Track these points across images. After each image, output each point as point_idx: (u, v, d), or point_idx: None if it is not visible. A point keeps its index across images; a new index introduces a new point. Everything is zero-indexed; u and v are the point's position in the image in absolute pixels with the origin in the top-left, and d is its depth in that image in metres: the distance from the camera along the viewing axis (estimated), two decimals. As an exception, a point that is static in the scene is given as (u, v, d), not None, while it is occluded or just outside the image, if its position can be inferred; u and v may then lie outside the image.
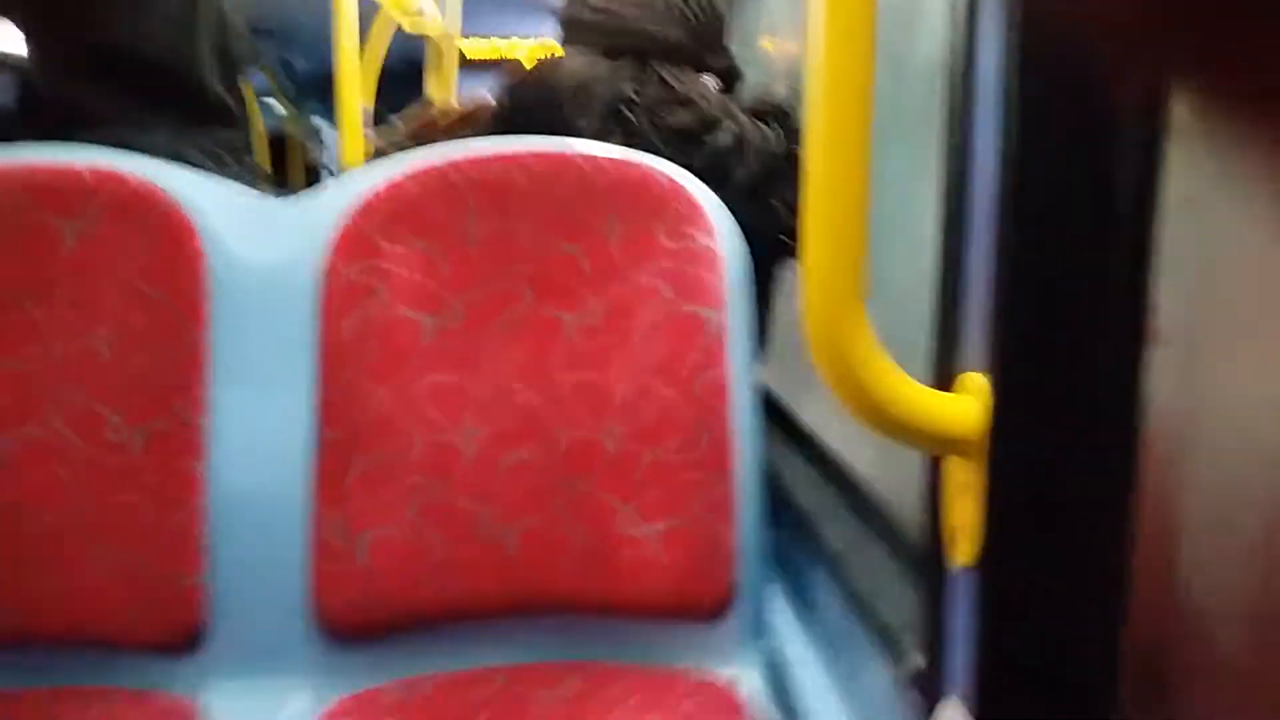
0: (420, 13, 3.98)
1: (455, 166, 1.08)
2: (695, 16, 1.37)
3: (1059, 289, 0.58)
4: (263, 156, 5.81)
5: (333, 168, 5.42)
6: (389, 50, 4.01)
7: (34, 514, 1.04)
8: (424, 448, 1.05)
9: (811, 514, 1.05)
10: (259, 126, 5.97)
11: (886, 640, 0.79)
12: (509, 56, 4.45)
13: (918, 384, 0.62)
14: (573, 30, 1.39)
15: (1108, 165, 0.57)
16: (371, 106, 3.40)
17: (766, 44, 1.82)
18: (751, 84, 1.53)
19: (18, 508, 1.04)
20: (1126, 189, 0.56)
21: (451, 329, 1.07)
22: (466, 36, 4.95)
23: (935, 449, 0.64)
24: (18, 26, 1.23)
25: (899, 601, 0.79)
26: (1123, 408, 0.57)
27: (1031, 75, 0.58)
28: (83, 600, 1.03)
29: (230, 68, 1.30)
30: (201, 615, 1.03)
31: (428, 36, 4.49)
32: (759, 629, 1.07)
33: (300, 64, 6.63)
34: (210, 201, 1.09)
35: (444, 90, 4.82)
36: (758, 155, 1.30)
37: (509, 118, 1.36)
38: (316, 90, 7.16)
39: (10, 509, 1.04)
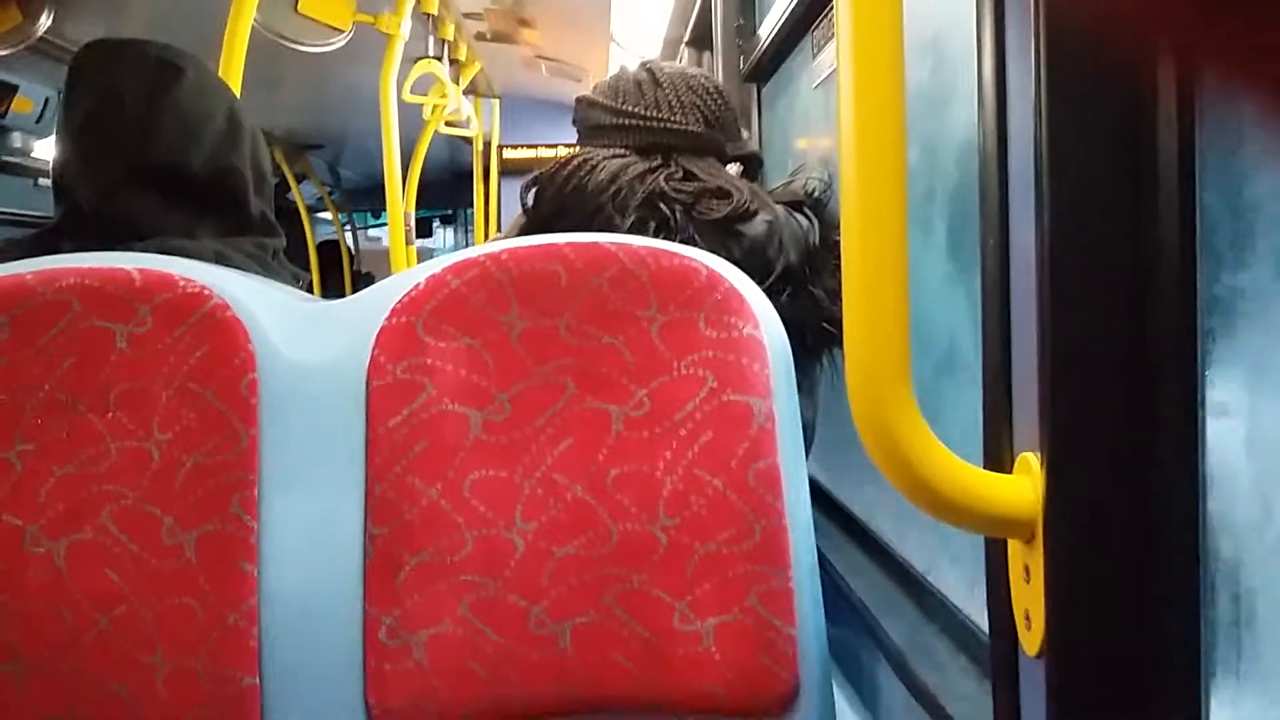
0: (467, 121, 4.11)
1: (496, 261, 1.10)
2: (710, 108, 1.40)
3: (1109, 365, 0.58)
4: (312, 264, 5.98)
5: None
6: (434, 159, 4.13)
7: (88, 619, 1.04)
8: (475, 544, 1.05)
9: (870, 608, 1.03)
10: (309, 237, 6.15)
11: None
12: (546, 161, 4.57)
13: (969, 465, 0.60)
14: (594, 131, 1.42)
15: (1149, 240, 0.57)
16: (413, 212, 3.48)
17: (799, 140, 1.85)
18: (785, 176, 1.55)
19: (70, 613, 1.04)
20: (1170, 263, 0.56)
21: (498, 423, 1.08)
22: (509, 145, 5.11)
23: (990, 531, 0.63)
24: (66, 138, 1.27)
25: (967, 694, 0.77)
26: (1182, 483, 0.55)
27: (1065, 155, 0.58)
28: (137, 706, 1.03)
29: (264, 182, 1.34)
30: (257, 718, 1.02)
31: (473, 144, 4.64)
32: (824, 726, 1.04)
33: (348, 175, 6.85)
34: (259, 303, 1.11)
35: (487, 194, 4.94)
36: (795, 244, 1.31)
37: (542, 221, 1.38)
38: (365, 199, 7.39)
39: (64, 614, 1.04)
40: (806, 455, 1.11)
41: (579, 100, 1.46)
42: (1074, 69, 0.58)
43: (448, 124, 3.95)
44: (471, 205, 5.16)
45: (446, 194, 7.04)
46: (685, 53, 3.08)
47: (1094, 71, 0.58)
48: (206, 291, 1.09)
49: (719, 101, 1.41)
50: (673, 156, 1.35)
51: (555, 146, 4.93)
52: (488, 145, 4.77)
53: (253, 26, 2.03)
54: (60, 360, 1.08)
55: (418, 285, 1.10)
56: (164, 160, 1.22)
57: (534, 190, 1.40)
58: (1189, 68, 0.55)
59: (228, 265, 1.21)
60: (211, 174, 1.25)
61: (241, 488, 1.06)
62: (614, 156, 1.35)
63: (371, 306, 1.11)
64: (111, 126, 1.23)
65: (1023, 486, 0.59)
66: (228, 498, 1.06)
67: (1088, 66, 0.58)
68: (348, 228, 6.93)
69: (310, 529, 1.06)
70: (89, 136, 1.24)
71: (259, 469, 1.06)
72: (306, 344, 1.11)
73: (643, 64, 1.44)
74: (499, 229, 4.89)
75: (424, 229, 7.93)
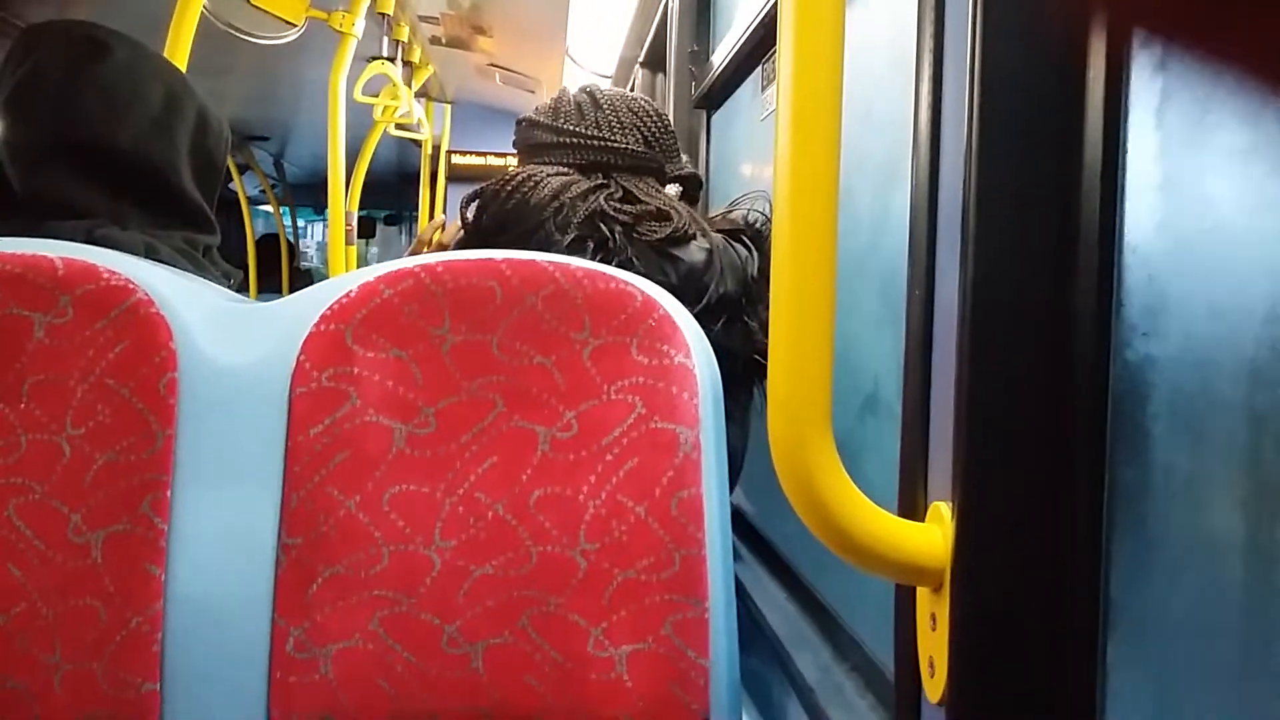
0: (417, 125, 4.09)
1: (430, 273, 1.09)
2: (649, 128, 1.41)
3: (1023, 420, 0.59)
4: (251, 258, 5.88)
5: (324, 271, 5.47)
6: (381, 159, 4.09)
7: None
8: (391, 559, 1.03)
9: (784, 640, 1.03)
10: (248, 229, 6.05)
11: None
12: (494, 169, 4.56)
13: (884, 512, 0.61)
14: (534, 150, 1.42)
15: (1069, 303, 0.59)
16: (356, 211, 3.44)
17: (746, 169, 1.86)
18: (727, 207, 1.56)
19: (-33, 609, 1.00)
20: (1087, 326, 0.58)
21: (422, 438, 1.06)
22: (458, 151, 5.09)
23: (899, 577, 0.63)
24: None
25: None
26: (1090, 540, 0.56)
27: (991, 213, 0.59)
28: (32, 705, 0.99)
29: (209, 171, 1.31)
30: None
31: (421, 147, 4.60)
32: (729, 759, 1.04)
33: (291, 169, 6.76)
34: (184, 300, 1.09)
35: (433, 198, 4.90)
36: (732, 273, 1.32)
37: (482, 236, 1.37)
38: (308, 194, 7.29)
39: (-41, 610, 1.01)
40: (733, 485, 1.12)
41: (519, 121, 1.46)
42: (1004, 129, 0.60)
43: (398, 126, 3.92)
44: (416, 207, 5.12)
45: (392, 195, 6.98)
46: (639, 73, 3.10)
47: (1023, 138, 0.60)
48: (131, 285, 1.07)
49: (658, 123, 1.42)
50: (613, 175, 1.36)
51: (505, 155, 4.91)
52: (436, 149, 4.74)
53: (203, 14, 2.00)
54: None
55: (349, 292, 1.08)
56: (84, 137, 1.19)
57: (475, 204, 1.40)
58: (1114, 146, 0.57)
59: (157, 259, 1.18)
60: (139, 156, 1.22)
61: (154, 489, 1.03)
62: (557, 174, 1.35)
63: (300, 311, 1.09)
64: (33, 102, 1.20)
65: (934, 535, 0.60)
66: (139, 498, 1.03)
67: (1018, 131, 0.60)
68: (288, 221, 6.84)
69: (222, 535, 1.04)
70: (11, 113, 1.21)
71: (173, 470, 1.04)
72: (231, 345, 1.09)
73: (583, 88, 1.45)
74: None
75: (367, 229, 7.85)
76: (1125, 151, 0.57)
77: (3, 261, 1.06)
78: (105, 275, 1.07)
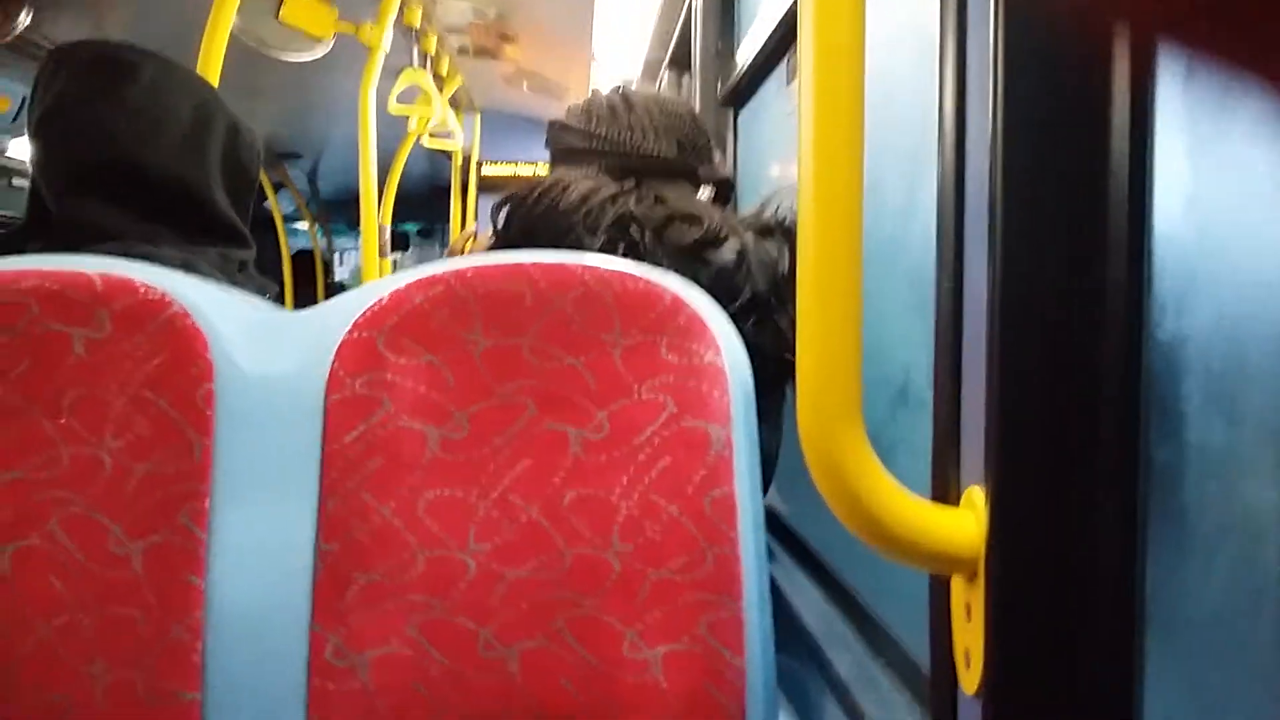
0: (448, 135, 4.11)
1: (460, 278, 1.09)
2: (683, 132, 1.40)
3: (1057, 403, 0.58)
4: (287, 274, 5.95)
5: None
6: (413, 172, 4.12)
7: (28, 627, 1.02)
8: (426, 564, 1.04)
9: (818, 637, 1.02)
10: (284, 245, 6.12)
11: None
12: (524, 179, 4.59)
13: (916, 499, 0.60)
14: (566, 154, 1.41)
15: (1100, 284, 0.58)
16: (389, 225, 3.47)
17: (774, 165, 1.86)
18: (759, 201, 1.55)
19: (11, 620, 1.02)
20: (1119, 307, 0.57)
21: (455, 442, 1.07)
22: (488, 160, 5.12)
23: (933, 566, 0.63)
24: (30, 137, 1.26)
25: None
26: (1125, 523, 0.55)
27: (1020, 196, 0.58)
28: (73, 717, 1.01)
29: (242, 185, 1.31)
30: None
31: (452, 159, 4.63)
32: (767, 757, 1.03)
33: (324, 186, 6.82)
34: (220, 312, 1.10)
35: (464, 209, 4.93)
36: (763, 272, 1.31)
37: (511, 243, 1.37)
38: (341, 210, 7.36)
39: (4, 621, 1.02)
40: (767, 486, 1.11)
41: (551, 124, 1.46)
42: (1031, 114, 0.59)
43: (432, 135, 3.95)
44: (449, 220, 5.15)
45: (424, 208, 7.03)
46: (665, 74, 3.10)
47: (1049, 122, 0.59)
48: (167, 298, 1.08)
49: (692, 125, 1.41)
50: (644, 181, 1.35)
51: (535, 164, 4.93)
52: (466, 160, 4.77)
53: (233, 33, 2.02)
54: (14, 364, 1.07)
55: (381, 300, 1.09)
56: (115, 161, 1.20)
57: (504, 211, 1.40)
58: (1141, 127, 0.56)
59: (192, 273, 1.20)
60: (170, 176, 1.23)
61: (192, 499, 1.05)
62: (585, 179, 1.34)
63: (333, 319, 1.10)
64: (63, 127, 1.22)
65: (967, 520, 0.59)
66: (178, 508, 1.04)
67: (1045, 113, 0.59)
68: (323, 239, 6.91)
69: (260, 543, 1.05)
70: (44, 138, 1.23)
71: (211, 480, 1.05)
72: (266, 355, 1.10)
73: (615, 88, 1.44)
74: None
75: (400, 243, 7.91)
76: (1153, 129, 0.56)
77: (41, 279, 1.08)
78: (142, 289, 1.08)
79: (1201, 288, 0.51)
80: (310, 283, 6.15)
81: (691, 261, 1.28)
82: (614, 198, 1.31)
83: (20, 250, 1.14)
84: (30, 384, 1.06)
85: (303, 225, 7.11)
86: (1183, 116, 0.53)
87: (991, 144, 0.60)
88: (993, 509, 0.57)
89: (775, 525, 1.29)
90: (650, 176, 1.36)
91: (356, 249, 8.22)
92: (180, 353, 1.07)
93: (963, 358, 0.64)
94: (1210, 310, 0.51)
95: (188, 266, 1.20)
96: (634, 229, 1.29)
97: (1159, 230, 0.55)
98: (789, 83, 1.68)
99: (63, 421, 1.06)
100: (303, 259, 6.34)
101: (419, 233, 8.66)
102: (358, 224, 2.94)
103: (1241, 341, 0.48)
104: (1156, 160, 0.55)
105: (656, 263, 1.25)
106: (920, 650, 0.81)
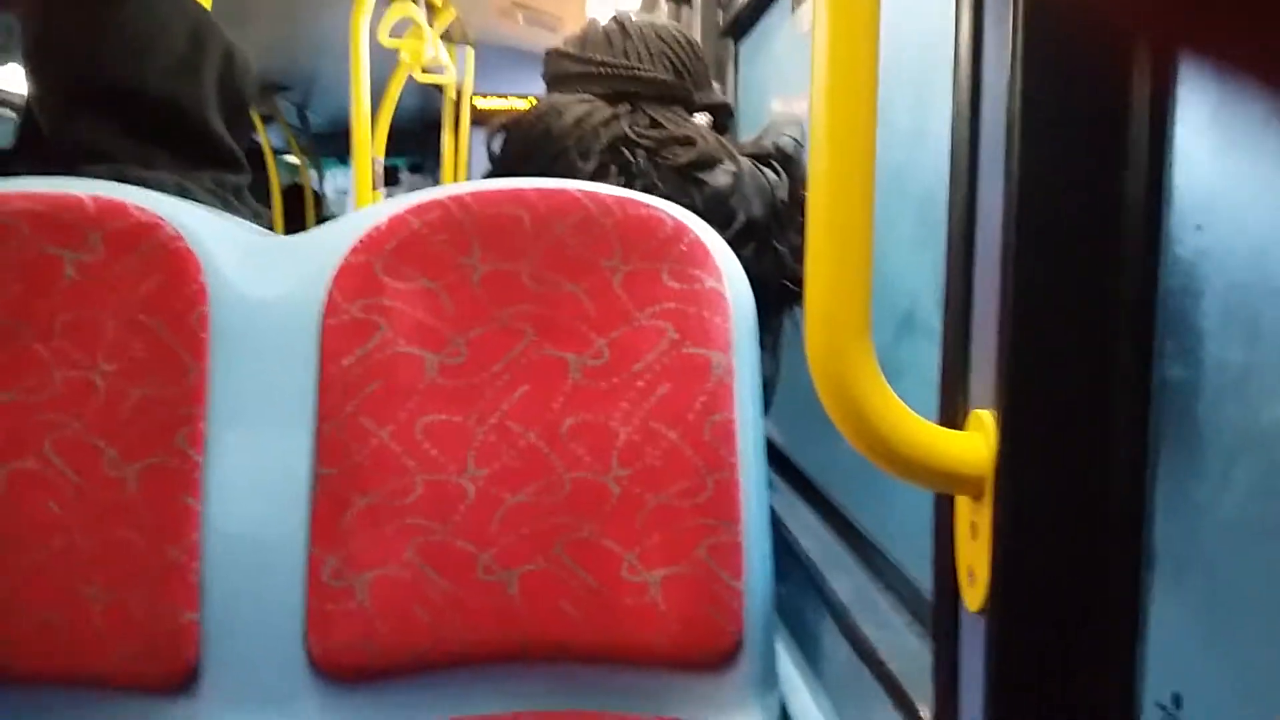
0: (441, 68, 4.04)
1: (458, 202, 1.08)
2: (679, 57, 1.38)
3: (1067, 326, 0.57)
4: (277, 208, 5.89)
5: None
6: (404, 106, 4.06)
7: (24, 548, 1.02)
8: (424, 487, 1.03)
9: (818, 562, 1.03)
10: (274, 179, 6.06)
11: (895, 691, 0.76)
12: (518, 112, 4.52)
13: (924, 421, 0.60)
14: (562, 81, 1.40)
15: (1115, 206, 0.57)
16: (382, 158, 3.42)
17: (776, 96, 1.83)
18: (758, 134, 1.53)
19: (8, 542, 1.02)
20: (1135, 227, 0.56)
21: (453, 367, 1.06)
22: (481, 94, 5.04)
23: (941, 486, 0.62)
24: (23, 62, 1.24)
25: (909, 650, 0.77)
26: (1134, 445, 0.55)
27: (1036, 118, 0.57)
28: (73, 638, 1.01)
29: (237, 110, 1.29)
30: (195, 655, 1.01)
31: (444, 92, 4.56)
32: (766, 680, 1.04)
33: (315, 119, 6.73)
34: (214, 236, 1.08)
35: (458, 144, 4.88)
36: (759, 197, 1.30)
37: (508, 168, 1.36)
38: (332, 144, 7.27)
39: (1, 544, 1.02)
40: (766, 412, 1.11)
41: (548, 53, 1.44)
42: (1050, 34, 0.58)
43: (424, 70, 3.88)
44: (440, 155, 5.09)
45: (416, 142, 6.94)
46: (664, 6, 3.04)
47: (1068, 39, 0.57)
48: (160, 221, 1.06)
49: (688, 51, 1.39)
50: (639, 104, 1.34)
51: (528, 98, 4.86)
52: (459, 94, 4.69)
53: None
54: (5, 286, 1.05)
55: (378, 224, 1.08)
56: (109, 82, 1.18)
57: (501, 136, 1.38)
58: (1165, 61, 0.54)
59: (187, 198, 1.18)
60: (165, 98, 1.21)
61: (188, 422, 1.04)
62: (580, 102, 1.33)
63: (329, 244, 1.09)
64: (56, 50, 1.20)
65: (975, 442, 0.59)
66: (173, 431, 1.04)
67: (1063, 34, 0.58)
68: (313, 172, 6.84)
69: (257, 466, 1.05)
70: (35, 62, 1.21)
71: (206, 403, 1.04)
72: (261, 279, 1.09)
73: (613, 17, 1.43)
74: (468, 180, 4.81)
75: (390, 177, 7.81)
76: (1178, 67, 0.55)
77: (32, 201, 1.06)
78: (135, 212, 1.06)
79: (1222, 201, 0.51)
80: (300, 219, 6.09)
81: (685, 183, 1.27)
82: (607, 121, 1.30)
83: (6, 173, 1.12)
84: (21, 306, 1.05)
85: (293, 159, 7.02)
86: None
87: (1011, 61, 0.58)
88: (1003, 430, 0.57)
89: (772, 454, 1.29)
90: (645, 100, 1.34)
91: (343, 179, 8.14)
92: (174, 276, 1.05)
93: (974, 281, 0.63)
94: (1231, 225, 0.50)
95: (182, 190, 1.18)
96: (627, 151, 1.28)
97: (1180, 144, 0.54)
98: (793, 10, 1.65)
99: (54, 344, 1.05)
100: (293, 194, 6.27)
101: (410, 167, 8.56)
102: (348, 157, 2.90)
103: (1265, 254, 0.47)
104: (1181, 69, 0.54)
105: (650, 184, 1.24)
106: (920, 572, 0.82)
